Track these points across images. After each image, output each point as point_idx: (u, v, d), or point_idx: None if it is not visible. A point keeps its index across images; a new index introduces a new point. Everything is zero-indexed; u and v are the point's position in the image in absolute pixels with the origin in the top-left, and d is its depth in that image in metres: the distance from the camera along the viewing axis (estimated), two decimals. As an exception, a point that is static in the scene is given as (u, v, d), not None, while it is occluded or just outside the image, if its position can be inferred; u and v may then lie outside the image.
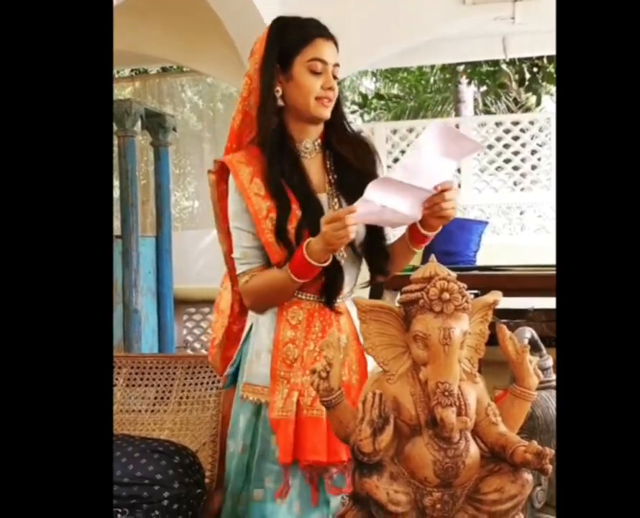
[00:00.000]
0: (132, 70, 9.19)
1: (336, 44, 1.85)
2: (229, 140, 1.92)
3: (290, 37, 1.82)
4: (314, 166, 1.88)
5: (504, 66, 9.64)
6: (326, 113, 1.85)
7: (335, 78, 1.85)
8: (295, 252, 1.76)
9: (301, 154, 1.87)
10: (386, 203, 1.66)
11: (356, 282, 1.92)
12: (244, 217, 1.82)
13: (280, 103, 1.84)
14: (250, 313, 1.93)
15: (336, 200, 1.85)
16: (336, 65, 1.84)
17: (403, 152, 6.97)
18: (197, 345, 5.94)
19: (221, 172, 1.89)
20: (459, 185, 6.56)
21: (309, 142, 1.88)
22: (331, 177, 1.88)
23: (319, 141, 1.90)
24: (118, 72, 8.55)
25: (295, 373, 1.77)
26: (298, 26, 1.84)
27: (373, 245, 1.87)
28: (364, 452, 1.27)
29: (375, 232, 1.85)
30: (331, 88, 1.83)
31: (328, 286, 1.81)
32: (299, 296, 1.82)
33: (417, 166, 1.65)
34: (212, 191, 1.92)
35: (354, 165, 1.88)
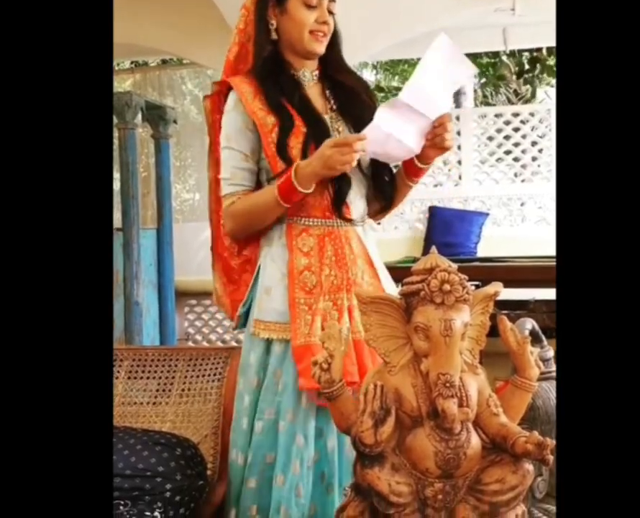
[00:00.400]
0: (132, 63, 9.17)
1: None
2: (224, 72, 1.92)
3: None
4: (314, 94, 1.87)
5: (504, 58, 9.61)
6: (320, 48, 1.84)
7: (331, 13, 1.84)
8: (285, 173, 1.74)
9: (300, 81, 1.86)
10: (392, 131, 1.69)
11: (366, 210, 1.90)
12: (239, 137, 1.81)
13: (274, 36, 1.83)
14: (260, 253, 1.90)
15: (339, 123, 1.85)
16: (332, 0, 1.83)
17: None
18: (198, 337, 5.92)
19: (218, 98, 1.89)
20: (460, 177, 6.55)
21: (307, 71, 1.88)
22: (332, 103, 1.87)
23: (317, 72, 1.90)
24: (118, 64, 8.52)
25: (316, 299, 1.75)
26: None
27: (379, 170, 1.87)
28: (365, 444, 1.27)
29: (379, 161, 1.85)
30: (326, 23, 1.82)
31: (336, 191, 1.78)
32: (306, 223, 1.81)
33: (423, 89, 1.67)
34: (206, 119, 1.93)
35: (354, 91, 1.88)
